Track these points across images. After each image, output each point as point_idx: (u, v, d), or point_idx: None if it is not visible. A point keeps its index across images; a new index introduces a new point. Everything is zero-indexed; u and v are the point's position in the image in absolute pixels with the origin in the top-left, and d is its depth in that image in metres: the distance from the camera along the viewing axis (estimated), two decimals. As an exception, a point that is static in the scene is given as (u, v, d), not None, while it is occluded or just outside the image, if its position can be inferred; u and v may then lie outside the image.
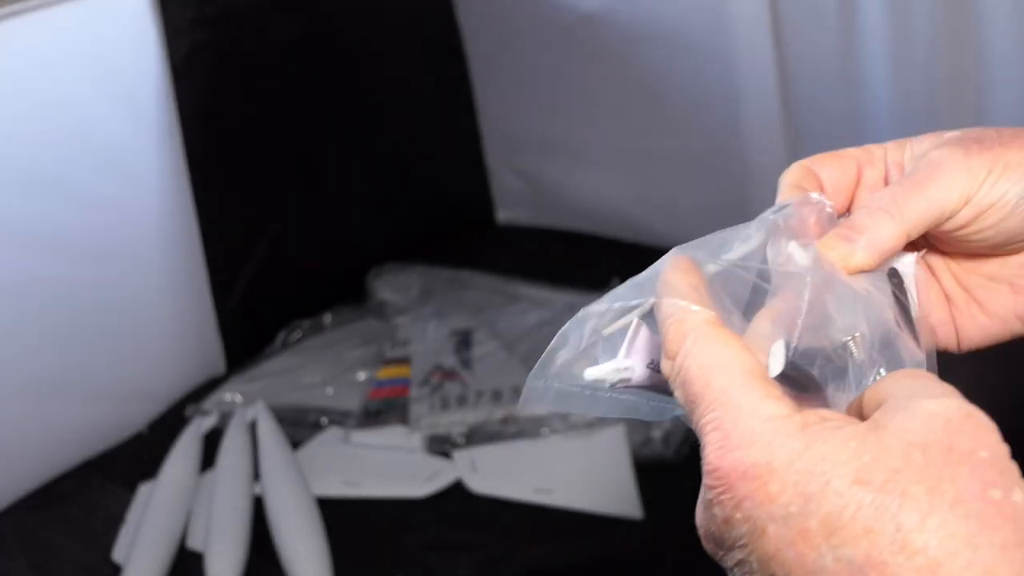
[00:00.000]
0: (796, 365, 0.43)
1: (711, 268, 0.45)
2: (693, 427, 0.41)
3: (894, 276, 0.48)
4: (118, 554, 1.16)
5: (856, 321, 0.45)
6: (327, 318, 1.54)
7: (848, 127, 1.33)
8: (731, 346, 0.41)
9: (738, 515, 0.38)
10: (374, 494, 1.24)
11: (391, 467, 1.28)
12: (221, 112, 1.36)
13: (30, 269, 1.20)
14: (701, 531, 0.40)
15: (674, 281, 0.44)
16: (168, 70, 1.28)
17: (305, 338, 1.52)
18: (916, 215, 0.47)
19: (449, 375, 1.39)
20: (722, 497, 0.38)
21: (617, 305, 0.45)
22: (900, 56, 1.24)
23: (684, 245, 0.46)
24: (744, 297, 0.46)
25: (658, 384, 0.45)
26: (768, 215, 0.48)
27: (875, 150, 0.51)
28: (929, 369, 0.47)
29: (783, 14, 1.30)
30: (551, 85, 1.62)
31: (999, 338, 0.53)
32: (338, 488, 1.25)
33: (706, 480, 0.39)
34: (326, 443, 1.32)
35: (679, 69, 1.44)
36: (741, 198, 1.46)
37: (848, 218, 0.48)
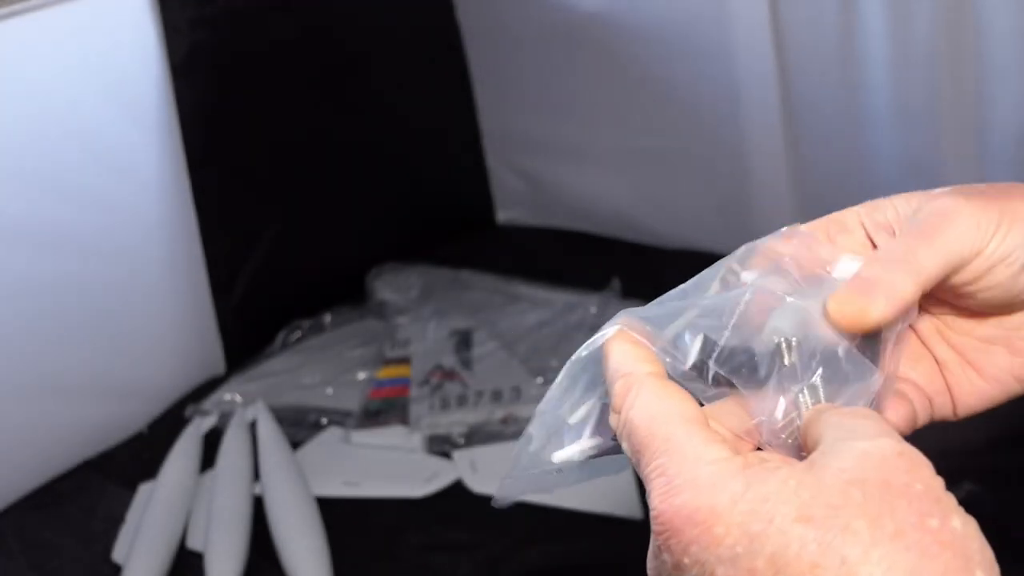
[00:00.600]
0: (719, 360, 0.44)
1: (662, 333, 0.46)
2: (641, 476, 0.42)
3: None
4: (118, 554, 1.16)
5: (791, 327, 0.44)
6: (327, 318, 1.54)
7: (848, 127, 1.33)
8: (673, 396, 0.42)
9: (686, 560, 0.39)
10: (374, 494, 1.24)
11: (391, 467, 1.28)
12: (221, 112, 1.36)
13: (29, 269, 1.20)
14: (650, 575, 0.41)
15: (617, 346, 0.45)
16: (168, 70, 1.28)
17: (305, 338, 1.52)
18: (931, 265, 0.45)
19: (449, 375, 1.39)
20: (670, 543, 0.39)
21: (577, 396, 0.47)
22: (900, 57, 1.24)
23: (631, 310, 0.47)
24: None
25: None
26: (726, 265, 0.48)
27: (846, 216, 0.50)
28: (887, 388, 0.46)
29: (783, 15, 1.30)
30: (551, 85, 1.62)
31: (997, 401, 0.53)
32: (338, 488, 1.25)
33: (653, 527, 0.40)
34: (326, 443, 1.32)
35: (679, 69, 1.44)
36: (741, 198, 1.47)
37: (858, 272, 0.46)
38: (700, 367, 0.44)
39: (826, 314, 0.45)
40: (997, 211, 0.46)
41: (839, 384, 0.44)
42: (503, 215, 1.79)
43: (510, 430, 1.30)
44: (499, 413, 1.32)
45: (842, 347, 0.44)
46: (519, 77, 1.66)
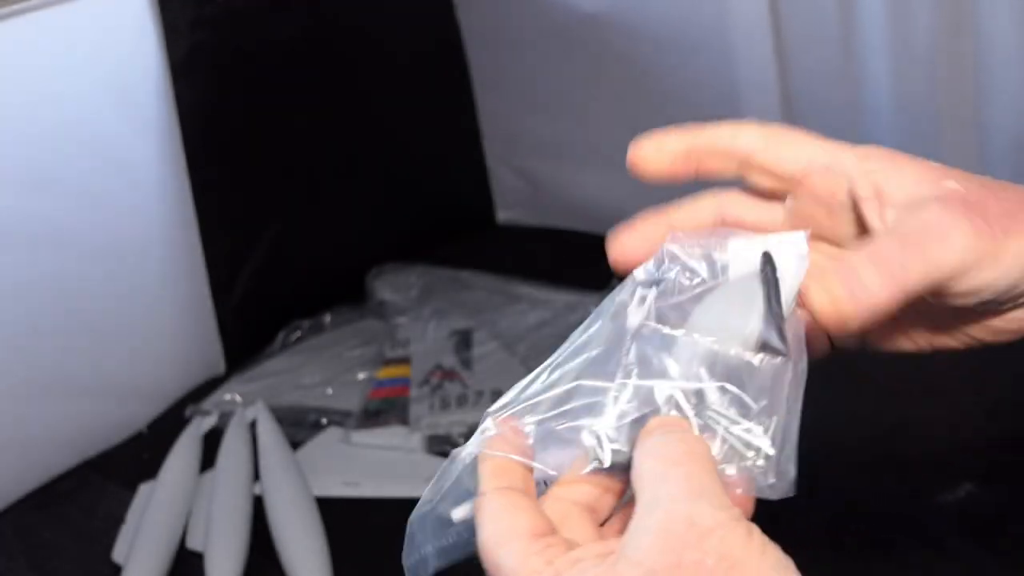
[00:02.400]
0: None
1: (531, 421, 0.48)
2: None
3: (767, 264, 0.45)
4: (118, 554, 1.16)
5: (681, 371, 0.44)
6: (327, 318, 1.54)
7: (848, 127, 1.33)
8: (508, 512, 0.43)
9: None
10: (374, 494, 1.24)
11: (391, 467, 1.28)
12: (221, 112, 1.36)
13: (29, 269, 1.20)
14: None
15: (482, 462, 0.47)
16: (168, 70, 1.28)
17: (305, 338, 1.52)
18: (917, 286, 0.43)
19: (449, 375, 1.39)
20: None
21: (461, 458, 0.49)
22: (900, 55, 1.24)
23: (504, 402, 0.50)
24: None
25: None
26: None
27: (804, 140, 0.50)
28: (797, 378, 0.45)
29: (783, 15, 1.30)
30: (551, 85, 1.61)
31: (902, 350, 0.52)
32: (338, 488, 1.25)
33: None
34: (326, 443, 1.32)
35: (679, 69, 1.44)
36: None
37: (847, 262, 0.44)
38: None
39: (810, 302, 0.44)
40: (994, 239, 0.44)
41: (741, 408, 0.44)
42: (503, 215, 1.79)
43: (510, 430, 1.29)
44: (499, 413, 1.32)
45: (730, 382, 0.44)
46: (519, 77, 1.65)
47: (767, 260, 0.45)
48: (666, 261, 0.48)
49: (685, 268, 0.47)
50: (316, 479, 1.24)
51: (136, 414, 1.36)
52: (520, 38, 1.61)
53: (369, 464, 1.28)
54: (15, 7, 1.11)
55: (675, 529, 0.38)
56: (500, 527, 0.43)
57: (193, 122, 1.32)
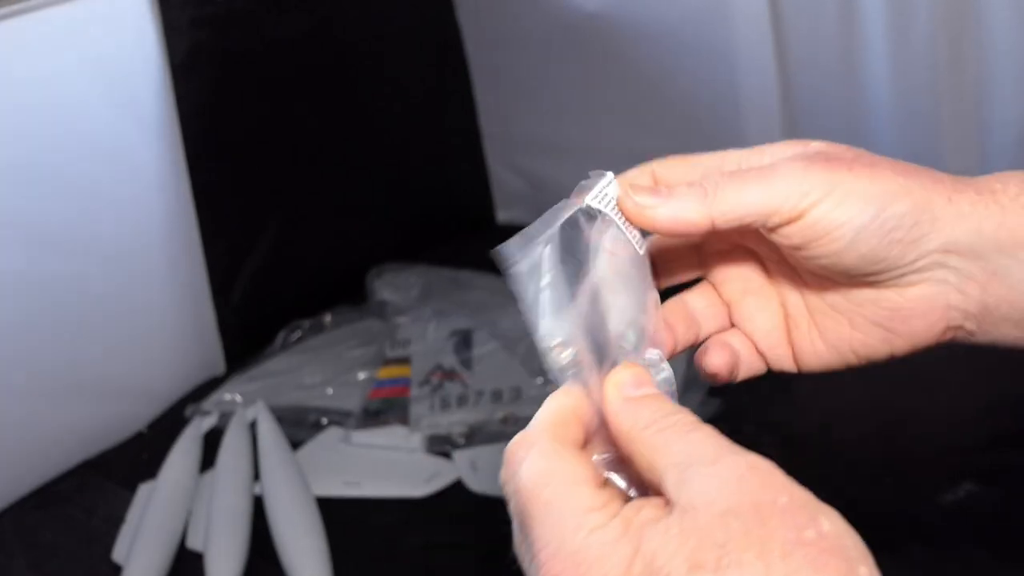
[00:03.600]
0: None
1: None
2: (523, 547, 0.42)
3: (594, 216, 0.49)
4: (118, 554, 1.16)
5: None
6: (327, 318, 1.54)
7: (849, 127, 1.33)
8: (563, 457, 0.42)
9: None
10: (374, 494, 1.24)
11: (391, 467, 1.28)
12: (221, 112, 1.36)
13: (29, 268, 1.20)
14: None
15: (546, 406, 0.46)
16: (168, 70, 1.28)
17: (305, 338, 1.52)
18: (728, 207, 0.47)
19: (449, 375, 1.39)
20: None
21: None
22: (901, 55, 1.24)
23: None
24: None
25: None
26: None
27: (731, 155, 0.51)
28: (649, 313, 0.48)
29: (784, 15, 1.30)
30: (551, 85, 1.62)
31: (832, 367, 0.53)
32: (338, 488, 1.25)
33: None
34: (326, 443, 1.32)
35: (679, 69, 1.44)
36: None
37: (671, 182, 0.49)
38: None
39: (620, 194, 0.48)
40: (829, 182, 0.46)
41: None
42: (503, 215, 1.79)
43: (510, 430, 1.29)
44: (499, 413, 1.32)
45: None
46: (519, 77, 1.66)
47: (592, 214, 0.50)
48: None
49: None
50: (316, 479, 1.24)
51: (136, 414, 1.36)
52: (520, 38, 1.61)
53: (369, 464, 1.28)
54: (15, 7, 1.11)
55: (740, 475, 0.39)
56: (555, 468, 0.42)
57: (193, 122, 1.32)
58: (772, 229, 0.47)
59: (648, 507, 0.40)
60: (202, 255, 1.39)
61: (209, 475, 1.25)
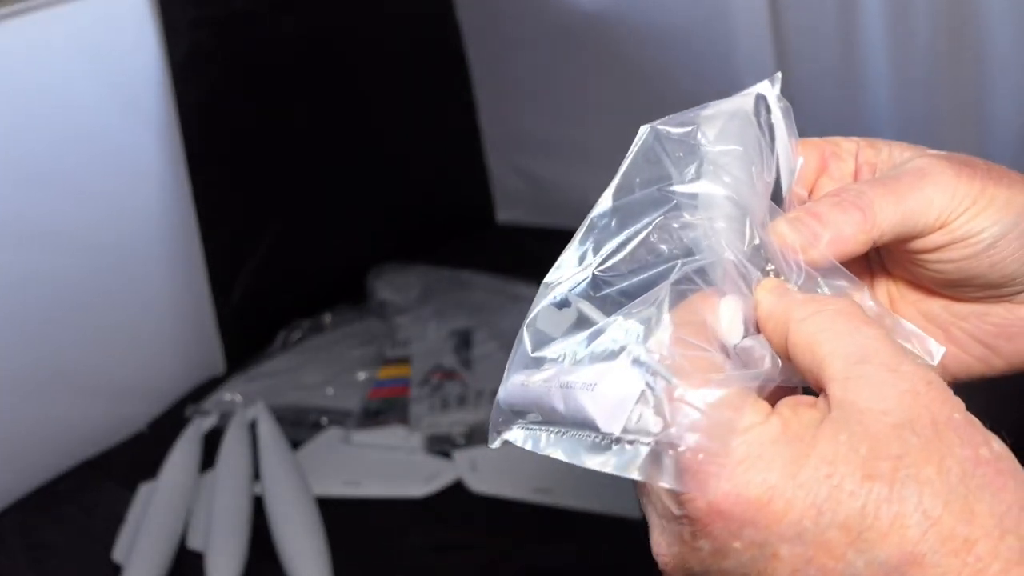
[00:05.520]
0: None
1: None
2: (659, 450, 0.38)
3: (761, 103, 0.46)
4: (118, 554, 1.16)
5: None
6: (327, 318, 1.54)
7: (848, 127, 1.33)
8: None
9: (736, 544, 0.35)
10: (374, 494, 1.24)
11: (391, 467, 1.28)
12: (221, 112, 1.36)
13: (30, 268, 1.19)
14: (669, 563, 0.38)
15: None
16: (168, 70, 1.28)
17: (305, 338, 1.52)
18: (889, 223, 0.43)
19: (449, 375, 1.39)
20: (712, 529, 0.35)
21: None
22: (901, 56, 1.24)
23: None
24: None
25: None
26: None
27: (844, 143, 0.48)
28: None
29: (783, 15, 1.30)
30: (551, 85, 1.62)
31: None
32: (338, 488, 1.25)
33: (688, 510, 0.36)
34: (326, 443, 1.32)
35: (679, 69, 1.44)
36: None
37: (814, 203, 0.44)
38: None
39: (772, 230, 0.43)
40: (978, 189, 0.44)
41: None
42: (503, 215, 1.79)
43: (510, 430, 1.30)
44: (499, 413, 1.32)
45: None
46: (519, 77, 1.65)
47: (761, 101, 0.46)
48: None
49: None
50: (316, 479, 1.24)
51: (136, 414, 1.36)
52: (520, 38, 1.60)
53: (369, 464, 1.28)
54: (15, 7, 1.11)
55: (917, 389, 0.36)
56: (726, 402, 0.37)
57: (193, 122, 1.32)
58: (916, 238, 0.45)
59: (804, 407, 0.37)
60: (202, 255, 1.39)
61: (209, 475, 1.25)
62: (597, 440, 0.39)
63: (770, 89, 0.46)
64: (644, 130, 0.46)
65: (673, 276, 0.41)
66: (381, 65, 1.57)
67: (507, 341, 1.44)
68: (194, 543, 1.17)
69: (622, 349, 0.39)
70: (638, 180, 0.45)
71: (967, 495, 0.34)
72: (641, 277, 0.42)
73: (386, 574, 1.16)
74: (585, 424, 0.39)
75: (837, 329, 0.38)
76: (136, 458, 1.31)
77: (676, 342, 0.38)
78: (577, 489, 1.21)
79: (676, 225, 0.42)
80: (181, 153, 1.33)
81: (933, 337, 0.46)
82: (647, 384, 0.38)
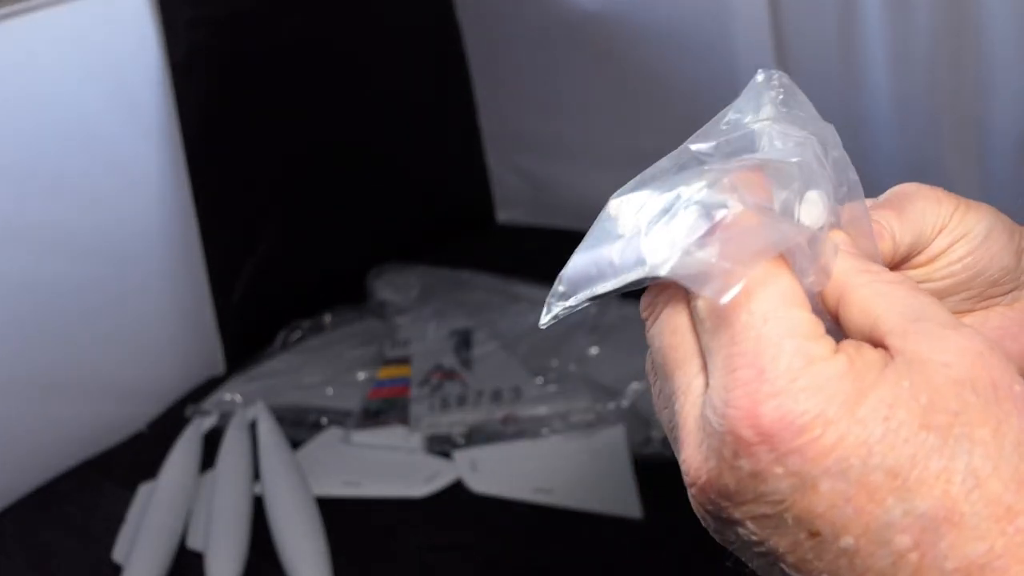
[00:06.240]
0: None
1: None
2: (706, 354, 0.36)
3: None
4: (118, 554, 1.16)
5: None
6: (327, 318, 1.54)
7: (848, 127, 1.33)
8: (780, 276, 0.37)
9: (778, 470, 0.34)
10: (374, 494, 1.24)
11: (391, 467, 1.28)
12: (221, 112, 1.36)
13: (29, 268, 1.20)
14: (703, 478, 0.36)
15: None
16: (168, 70, 1.28)
17: (305, 338, 1.52)
18: (901, 238, 0.44)
19: (449, 375, 1.39)
20: (757, 450, 0.34)
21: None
22: (901, 57, 1.24)
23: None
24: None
25: None
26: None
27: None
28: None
29: (783, 15, 1.30)
30: (552, 85, 1.62)
31: None
32: (338, 488, 1.25)
33: (731, 427, 0.34)
34: (326, 443, 1.32)
35: (679, 69, 1.44)
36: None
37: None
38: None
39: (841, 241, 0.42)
40: (954, 196, 0.46)
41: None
42: (503, 215, 1.79)
43: (510, 430, 1.30)
44: (499, 413, 1.32)
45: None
46: (519, 77, 1.66)
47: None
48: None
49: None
50: (316, 479, 1.24)
51: (136, 414, 1.36)
52: (520, 37, 1.61)
53: (369, 464, 1.28)
54: (15, 7, 1.11)
55: (979, 349, 0.35)
56: (780, 284, 0.36)
57: (193, 122, 1.32)
58: (922, 250, 0.46)
59: (867, 349, 0.36)
60: (202, 255, 1.39)
61: (209, 475, 1.25)
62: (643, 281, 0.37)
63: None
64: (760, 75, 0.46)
65: (757, 154, 0.40)
66: (381, 65, 1.57)
67: (507, 341, 1.45)
68: (194, 543, 1.17)
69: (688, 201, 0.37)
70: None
71: (1019, 464, 0.34)
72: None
73: (386, 574, 1.16)
74: (637, 265, 0.37)
75: (894, 294, 0.38)
76: (136, 458, 1.31)
77: (742, 192, 0.37)
78: (577, 489, 1.22)
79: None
80: (181, 153, 1.33)
81: None
82: (705, 217, 0.36)
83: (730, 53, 1.36)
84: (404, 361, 1.43)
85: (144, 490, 1.24)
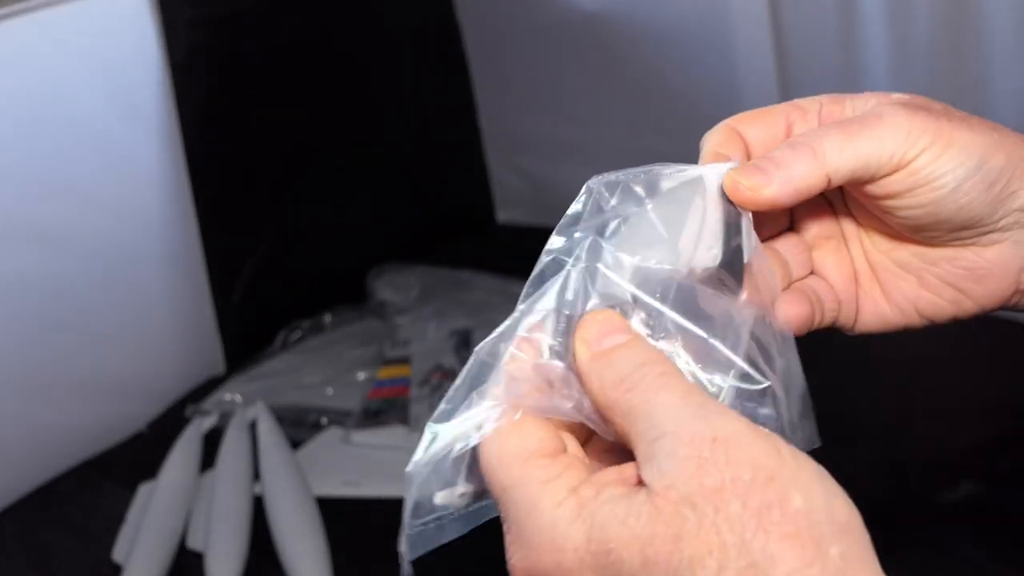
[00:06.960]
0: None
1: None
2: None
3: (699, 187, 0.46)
4: (118, 554, 1.16)
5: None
6: (327, 318, 1.54)
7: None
8: (520, 429, 0.41)
9: None
10: (374, 494, 1.24)
11: (391, 467, 1.28)
12: (221, 112, 1.36)
13: (29, 269, 1.20)
14: None
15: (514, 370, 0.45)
16: (168, 70, 1.28)
17: (305, 338, 1.52)
18: (840, 159, 0.45)
19: (449, 375, 1.39)
20: None
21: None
22: (900, 55, 1.24)
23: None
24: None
25: None
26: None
27: (807, 104, 0.49)
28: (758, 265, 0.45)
29: (783, 15, 1.30)
30: (551, 85, 1.62)
31: (893, 327, 0.52)
32: (338, 488, 1.25)
33: (509, 564, 0.40)
34: (326, 443, 1.32)
35: (679, 69, 1.44)
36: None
37: (771, 153, 0.46)
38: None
39: (723, 185, 0.45)
40: (934, 129, 0.45)
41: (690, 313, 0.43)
42: (503, 215, 1.79)
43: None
44: (499, 413, 1.32)
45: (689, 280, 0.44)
46: (519, 77, 1.66)
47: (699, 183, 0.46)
48: (590, 196, 0.50)
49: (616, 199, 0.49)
50: (316, 479, 1.24)
51: (136, 414, 1.36)
52: (520, 38, 1.61)
53: (369, 464, 1.28)
54: (15, 7, 1.11)
55: (702, 451, 0.35)
56: (511, 444, 0.40)
57: (193, 122, 1.32)
58: (874, 180, 0.46)
59: (613, 486, 0.37)
60: (202, 255, 1.39)
61: (209, 475, 1.25)
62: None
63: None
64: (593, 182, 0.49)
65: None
66: (381, 65, 1.57)
67: (507, 341, 1.45)
68: (194, 543, 1.17)
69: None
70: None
71: (748, 572, 0.34)
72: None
73: (386, 574, 1.15)
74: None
75: (634, 409, 0.39)
76: (136, 458, 1.31)
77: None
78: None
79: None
80: (181, 153, 1.33)
81: (906, 283, 0.50)
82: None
83: (730, 53, 1.36)
84: (404, 361, 1.43)
85: (144, 490, 1.24)
